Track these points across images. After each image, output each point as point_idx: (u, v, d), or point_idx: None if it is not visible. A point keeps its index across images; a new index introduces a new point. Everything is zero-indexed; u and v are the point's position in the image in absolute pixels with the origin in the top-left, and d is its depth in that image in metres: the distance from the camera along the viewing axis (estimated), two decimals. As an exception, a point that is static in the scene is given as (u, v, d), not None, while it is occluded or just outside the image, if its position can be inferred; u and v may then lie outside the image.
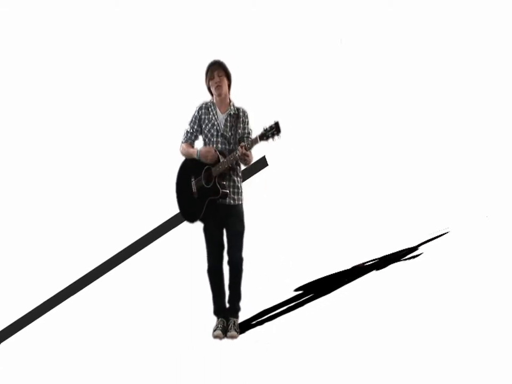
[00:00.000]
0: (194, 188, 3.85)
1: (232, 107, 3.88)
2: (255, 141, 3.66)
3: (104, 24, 5.37)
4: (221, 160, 3.75)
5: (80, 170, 5.34)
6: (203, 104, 3.91)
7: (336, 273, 4.74)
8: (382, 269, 4.66)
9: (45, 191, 5.25)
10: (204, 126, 3.88)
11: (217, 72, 3.80)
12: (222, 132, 3.84)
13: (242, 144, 3.70)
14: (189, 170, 3.90)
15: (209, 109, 3.87)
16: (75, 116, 5.40)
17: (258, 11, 5.45)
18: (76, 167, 5.35)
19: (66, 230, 5.18)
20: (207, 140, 3.87)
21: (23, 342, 4.06)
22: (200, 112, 3.89)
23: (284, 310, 4.17)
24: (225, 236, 3.86)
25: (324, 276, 4.70)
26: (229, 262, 3.84)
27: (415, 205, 5.28)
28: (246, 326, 3.94)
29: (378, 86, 5.54)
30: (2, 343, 4.07)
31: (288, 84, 5.40)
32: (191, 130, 3.92)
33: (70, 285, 4.73)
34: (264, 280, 4.60)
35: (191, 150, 3.89)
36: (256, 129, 3.82)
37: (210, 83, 3.84)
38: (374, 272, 4.64)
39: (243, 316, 3.96)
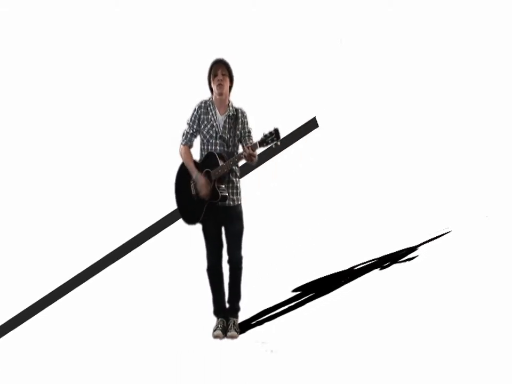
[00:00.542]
0: (193, 191, 3.81)
1: (231, 108, 3.83)
2: (255, 146, 3.64)
3: (104, 24, 5.38)
4: (220, 164, 3.70)
5: (78, 167, 5.36)
6: (202, 103, 3.85)
7: (335, 273, 4.74)
8: (382, 269, 4.66)
9: (44, 189, 5.27)
10: (202, 127, 3.82)
11: (221, 71, 3.76)
12: (220, 133, 3.79)
13: (249, 144, 3.68)
14: (188, 173, 3.86)
15: (209, 109, 3.82)
16: (74, 115, 5.41)
17: (258, 11, 5.45)
18: (74, 165, 5.36)
19: (65, 227, 5.19)
20: (205, 141, 3.81)
21: (20, 339, 4.07)
22: (199, 111, 3.83)
23: (283, 310, 4.18)
24: (224, 235, 3.85)
25: (323, 276, 4.70)
26: (229, 261, 3.84)
27: (415, 205, 5.28)
28: (246, 326, 3.94)
29: (378, 86, 5.54)
30: (0, 340, 4.08)
31: (288, 84, 5.41)
32: (191, 131, 3.85)
33: (67, 282, 4.75)
34: (264, 280, 4.61)
35: (191, 164, 3.80)
36: (255, 131, 3.81)
37: (212, 80, 3.79)
38: (374, 272, 4.64)
39: (243, 315, 3.96)
